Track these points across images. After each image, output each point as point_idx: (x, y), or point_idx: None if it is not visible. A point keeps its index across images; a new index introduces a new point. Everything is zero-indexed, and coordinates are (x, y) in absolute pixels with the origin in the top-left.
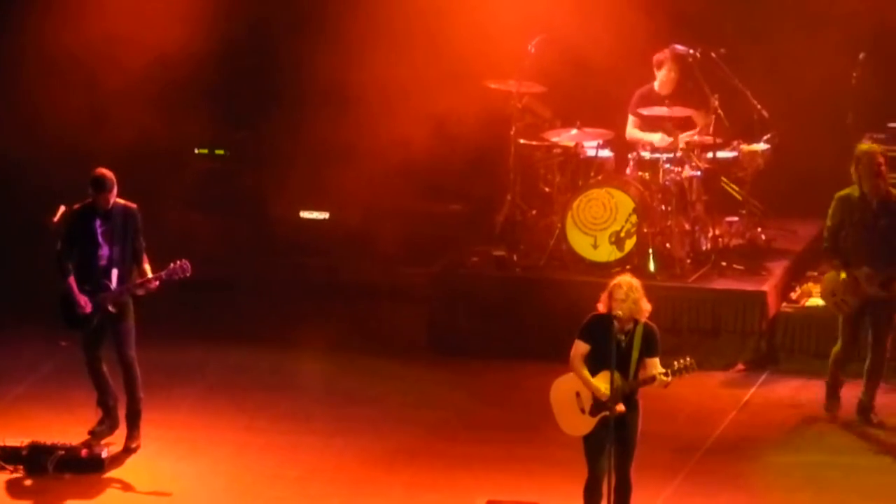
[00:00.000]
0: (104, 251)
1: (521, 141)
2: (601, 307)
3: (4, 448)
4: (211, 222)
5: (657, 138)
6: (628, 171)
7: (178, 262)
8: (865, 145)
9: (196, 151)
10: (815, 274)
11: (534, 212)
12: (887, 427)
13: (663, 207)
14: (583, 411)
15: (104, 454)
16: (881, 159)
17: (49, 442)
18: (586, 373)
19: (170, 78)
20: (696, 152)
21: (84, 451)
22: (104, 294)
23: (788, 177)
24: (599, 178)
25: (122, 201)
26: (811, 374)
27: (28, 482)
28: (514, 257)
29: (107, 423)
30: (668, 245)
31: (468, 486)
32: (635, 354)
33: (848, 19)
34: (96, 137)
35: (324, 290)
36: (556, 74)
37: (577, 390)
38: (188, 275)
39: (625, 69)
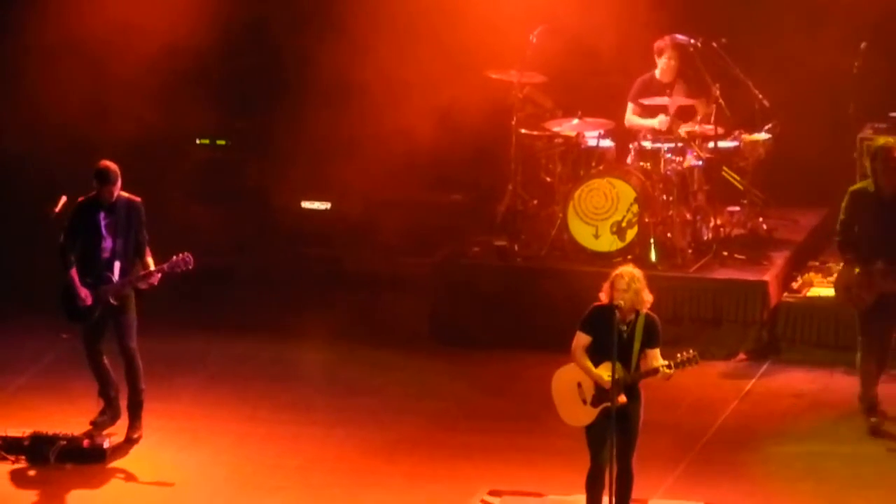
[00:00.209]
0: (108, 243)
1: (523, 131)
2: (603, 297)
3: (6, 438)
4: (212, 212)
5: (656, 122)
6: (629, 160)
7: (181, 255)
8: (882, 139)
9: (197, 141)
10: (817, 263)
11: (535, 202)
12: (888, 417)
13: (665, 197)
14: (584, 402)
15: (106, 444)
16: None
17: (51, 432)
18: (588, 363)
19: (171, 68)
20: (697, 142)
21: (86, 442)
22: (106, 287)
23: (790, 166)
24: (601, 167)
25: (126, 194)
26: (812, 363)
27: (30, 472)
28: (516, 247)
29: (108, 414)
30: (669, 235)
31: (469, 477)
32: (637, 345)
33: (849, 8)
34: (97, 128)
35: (325, 280)
36: (557, 64)
37: (578, 381)
38: (190, 267)
39: (626, 59)
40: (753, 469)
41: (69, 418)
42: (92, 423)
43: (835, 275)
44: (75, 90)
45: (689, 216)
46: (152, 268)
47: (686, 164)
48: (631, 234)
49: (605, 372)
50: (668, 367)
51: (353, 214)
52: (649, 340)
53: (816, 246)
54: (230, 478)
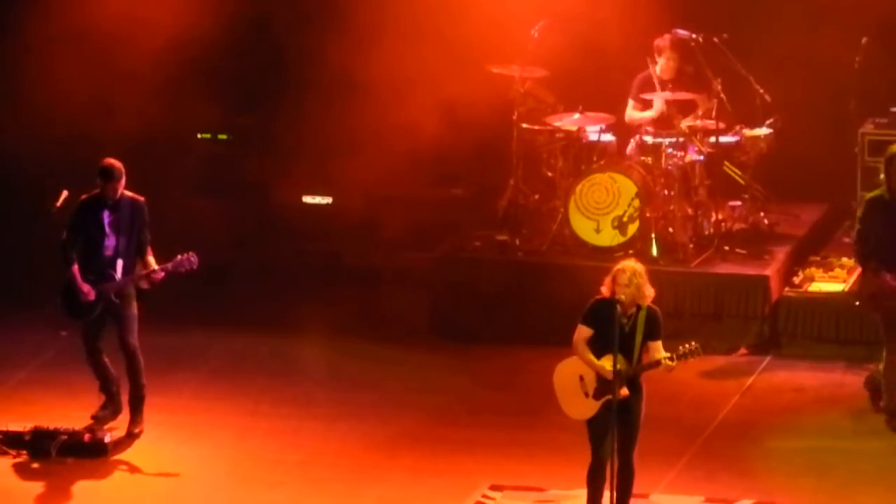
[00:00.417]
0: (111, 241)
1: (524, 125)
2: (604, 291)
3: (7, 433)
4: (213, 207)
5: (654, 111)
6: (630, 154)
7: (185, 255)
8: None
9: (199, 136)
10: (818, 258)
11: (536, 196)
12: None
13: (666, 192)
14: (586, 395)
15: (107, 439)
16: None
17: (52, 427)
18: (590, 355)
19: (173, 63)
20: (698, 137)
21: (87, 436)
22: (108, 284)
23: (791, 161)
24: (602, 162)
25: (129, 193)
26: (814, 358)
27: (31, 467)
28: (517, 242)
29: (110, 408)
30: (670, 229)
31: (471, 471)
32: (639, 338)
33: (850, 3)
34: (98, 123)
35: (326, 275)
36: (559, 59)
37: (580, 374)
38: (195, 268)
39: (628, 54)
40: (754, 464)
41: (70, 413)
42: (93, 418)
43: (836, 270)
44: (75, 85)
45: (690, 211)
46: (154, 267)
47: (687, 159)
48: (632, 229)
49: (607, 364)
50: (671, 359)
51: (354, 209)
52: (651, 333)
53: (818, 241)
54: (231, 472)
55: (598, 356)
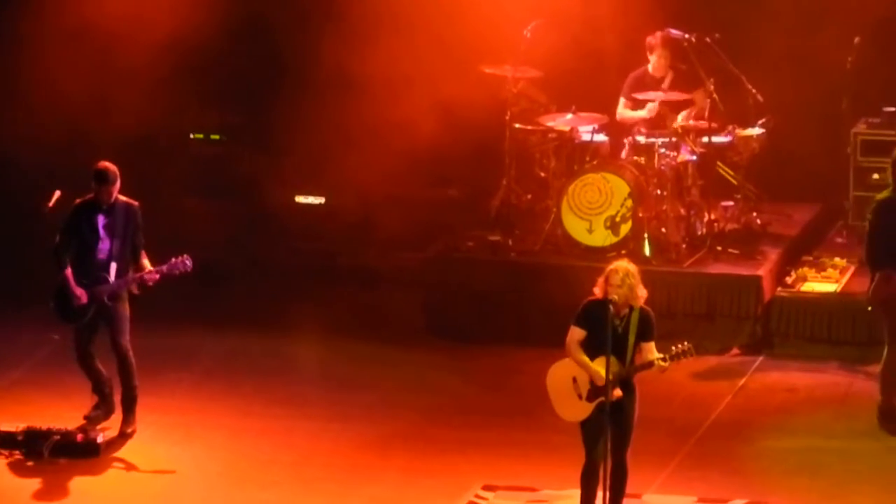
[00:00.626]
0: (105, 245)
1: (517, 125)
2: (597, 292)
3: (0, 433)
4: (206, 207)
5: (645, 112)
6: (623, 155)
7: (180, 257)
8: None
9: (192, 136)
10: (811, 258)
11: (529, 196)
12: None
13: (658, 192)
14: (580, 397)
15: (100, 439)
16: None
17: (45, 427)
18: (584, 357)
19: (166, 63)
20: (691, 137)
21: (80, 436)
22: (101, 287)
23: (784, 161)
24: (595, 162)
25: (123, 198)
26: (806, 358)
27: (24, 467)
28: (510, 242)
29: (102, 409)
30: (663, 229)
31: (464, 471)
32: (632, 339)
33: (843, 3)
34: (91, 123)
35: (319, 275)
36: (551, 59)
37: (573, 376)
38: (189, 270)
39: (621, 54)
40: (747, 464)
41: (63, 413)
42: (86, 418)
43: (828, 270)
44: (69, 85)
45: (683, 211)
46: (149, 269)
47: (680, 159)
48: (625, 229)
49: (600, 367)
50: (664, 359)
51: (347, 209)
52: (644, 334)
53: (810, 241)
54: (224, 472)
55: (592, 357)
